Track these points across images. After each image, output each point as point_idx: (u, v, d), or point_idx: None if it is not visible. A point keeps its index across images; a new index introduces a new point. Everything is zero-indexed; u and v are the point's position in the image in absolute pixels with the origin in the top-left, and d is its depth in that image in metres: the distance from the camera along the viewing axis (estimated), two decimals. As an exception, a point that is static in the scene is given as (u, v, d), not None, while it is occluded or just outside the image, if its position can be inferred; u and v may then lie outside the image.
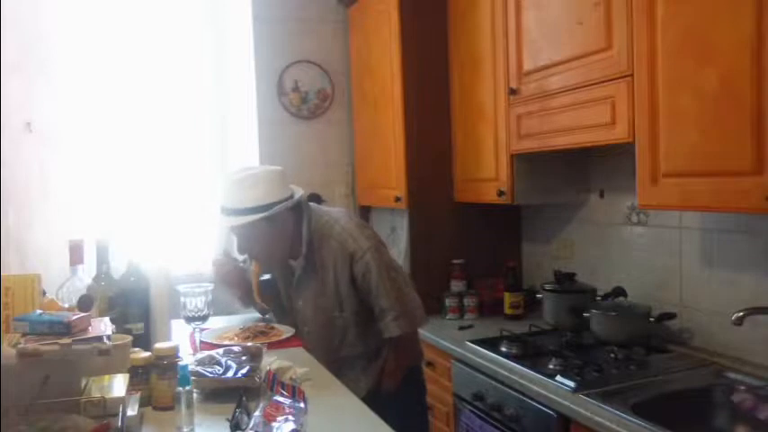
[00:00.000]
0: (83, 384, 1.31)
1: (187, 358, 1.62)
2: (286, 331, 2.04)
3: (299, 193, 2.04)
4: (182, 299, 1.83)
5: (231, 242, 2.18)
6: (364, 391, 1.97)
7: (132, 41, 3.24)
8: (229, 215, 1.93)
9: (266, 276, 2.25)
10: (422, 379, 2.20)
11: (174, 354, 1.47)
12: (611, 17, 1.88)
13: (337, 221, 2.02)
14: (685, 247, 2.13)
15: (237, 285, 2.21)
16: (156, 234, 3.20)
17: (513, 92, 2.36)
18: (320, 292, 2.04)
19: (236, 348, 1.69)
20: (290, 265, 2.10)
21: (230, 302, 2.28)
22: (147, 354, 1.48)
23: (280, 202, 1.94)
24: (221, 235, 3.42)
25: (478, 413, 2.14)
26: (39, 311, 1.31)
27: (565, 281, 2.38)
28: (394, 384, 2.03)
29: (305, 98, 3.38)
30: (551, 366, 1.93)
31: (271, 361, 1.61)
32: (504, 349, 2.16)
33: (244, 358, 1.59)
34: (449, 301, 2.77)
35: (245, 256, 2.12)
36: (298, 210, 2.02)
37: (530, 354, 2.10)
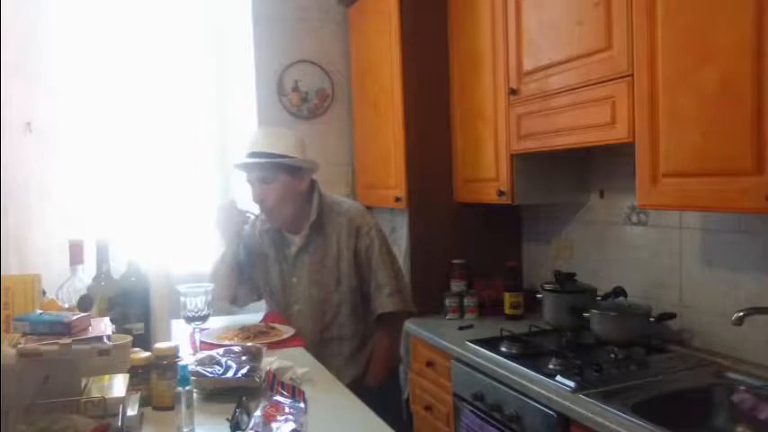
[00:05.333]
0: (83, 384, 1.31)
1: (187, 358, 1.62)
2: (286, 331, 2.04)
3: (318, 163, 2.19)
4: (182, 299, 1.83)
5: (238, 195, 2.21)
6: (349, 379, 1.99)
7: (132, 41, 3.24)
8: (260, 158, 2.05)
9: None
10: (398, 381, 2.28)
11: (174, 354, 1.47)
12: (611, 17, 1.88)
13: (345, 201, 2.22)
14: (685, 247, 2.13)
15: (237, 233, 2.18)
16: (156, 234, 3.20)
17: (513, 92, 2.36)
18: (318, 267, 2.10)
19: (236, 348, 1.69)
20: (287, 240, 2.14)
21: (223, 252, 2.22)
22: (147, 354, 1.48)
23: (302, 159, 2.09)
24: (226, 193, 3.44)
25: (478, 413, 2.14)
26: (39, 311, 1.31)
27: (565, 281, 2.37)
28: (380, 376, 2.09)
29: (305, 98, 3.38)
30: (551, 366, 1.93)
31: (271, 361, 1.61)
32: (504, 349, 2.16)
33: (244, 358, 1.59)
34: (449, 301, 2.77)
35: (259, 205, 2.13)
36: (312, 182, 2.16)
37: (530, 354, 2.10)
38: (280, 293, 2.18)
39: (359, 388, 1.89)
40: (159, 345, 1.50)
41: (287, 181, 2.06)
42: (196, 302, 1.83)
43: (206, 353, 1.67)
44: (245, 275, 2.25)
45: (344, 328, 2.10)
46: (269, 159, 2.03)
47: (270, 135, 2.12)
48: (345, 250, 2.07)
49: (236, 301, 2.30)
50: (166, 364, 1.44)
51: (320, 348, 2.05)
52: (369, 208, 3.38)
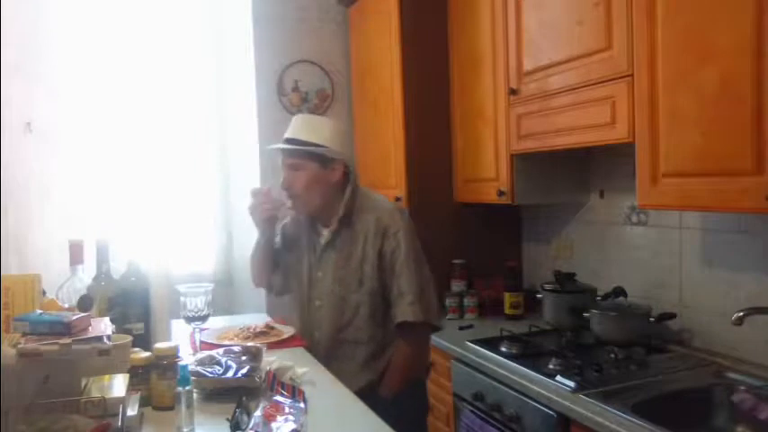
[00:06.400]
0: (83, 384, 1.31)
1: (187, 358, 1.62)
2: (286, 331, 2.04)
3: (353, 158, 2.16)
4: (182, 299, 1.83)
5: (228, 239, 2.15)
6: (362, 383, 1.92)
7: (132, 42, 3.25)
8: (292, 144, 2.02)
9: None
10: (425, 395, 2.15)
11: (174, 354, 1.47)
12: (611, 17, 1.88)
13: (378, 200, 2.10)
14: (685, 247, 2.13)
15: (268, 220, 2.13)
16: (156, 234, 3.20)
17: (513, 92, 2.36)
18: (343, 264, 2.02)
19: (236, 348, 1.69)
20: (318, 231, 2.10)
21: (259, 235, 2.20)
22: (147, 354, 1.48)
23: (336, 150, 2.02)
24: (221, 230, 3.45)
25: (478, 413, 2.14)
26: (39, 311, 1.31)
27: (565, 281, 2.37)
28: (394, 386, 1.98)
29: (305, 98, 3.38)
30: (551, 366, 1.93)
31: (271, 361, 1.61)
32: (504, 349, 2.16)
33: (244, 358, 1.59)
34: (449, 301, 2.77)
35: (286, 191, 2.09)
36: (347, 175, 2.07)
37: (530, 354, 2.10)
38: (305, 286, 2.13)
39: (372, 395, 1.82)
40: (159, 345, 1.50)
41: (316, 170, 2.00)
42: (196, 302, 1.83)
43: (206, 353, 1.67)
44: (282, 264, 2.22)
45: (361, 332, 2.01)
46: (297, 146, 2.00)
47: (306, 123, 2.08)
48: (371, 251, 1.98)
49: (271, 290, 2.27)
50: (166, 364, 1.44)
51: (334, 349, 2.00)
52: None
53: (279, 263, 2.22)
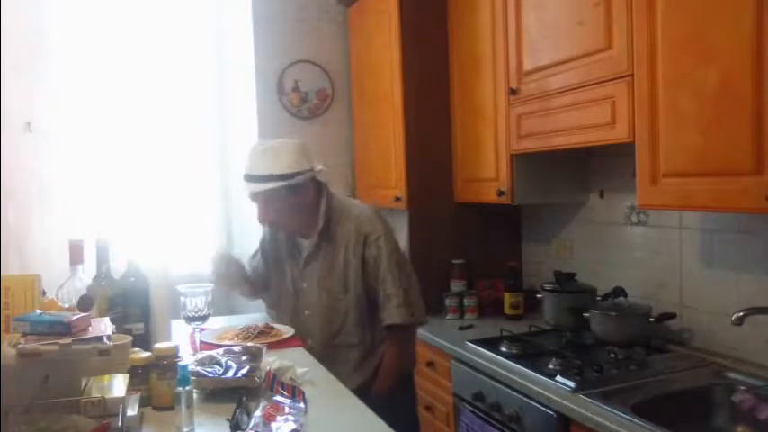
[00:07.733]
0: (83, 384, 1.31)
1: (187, 358, 1.62)
2: (286, 331, 2.04)
3: (321, 167, 2.09)
4: (182, 299, 1.83)
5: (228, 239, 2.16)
6: (354, 385, 1.92)
7: (132, 41, 3.24)
8: (255, 182, 1.99)
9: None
10: (413, 386, 2.22)
11: (174, 354, 1.47)
12: (612, 17, 1.88)
13: (356, 206, 2.12)
14: (685, 247, 2.13)
15: (236, 282, 2.17)
16: (156, 234, 3.20)
17: (513, 92, 2.36)
18: (327, 272, 2.05)
19: (236, 348, 1.69)
20: (298, 245, 2.12)
21: (231, 296, 2.26)
22: (147, 354, 1.48)
23: (302, 172, 2.00)
24: (221, 230, 3.45)
25: (478, 413, 2.14)
26: (39, 311, 1.31)
27: (565, 281, 2.37)
28: (387, 386, 2.02)
29: (305, 98, 3.38)
30: (551, 366, 1.93)
31: (271, 361, 1.61)
32: (504, 349, 2.16)
33: (244, 358, 1.59)
34: (449, 301, 2.77)
35: (264, 226, 2.12)
36: (318, 185, 2.09)
37: (530, 354, 2.10)
38: (292, 297, 2.16)
39: (366, 394, 1.84)
40: (159, 345, 1.50)
41: (287, 199, 1.99)
42: (196, 302, 1.83)
43: (206, 353, 1.67)
44: (268, 280, 2.25)
45: (351, 336, 2.05)
46: (264, 185, 1.95)
47: (266, 154, 2.00)
48: (353, 258, 2.02)
49: (264, 302, 2.32)
50: (166, 364, 1.44)
51: (328, 354, 2.00)
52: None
53: (265, 280, 2.25)
